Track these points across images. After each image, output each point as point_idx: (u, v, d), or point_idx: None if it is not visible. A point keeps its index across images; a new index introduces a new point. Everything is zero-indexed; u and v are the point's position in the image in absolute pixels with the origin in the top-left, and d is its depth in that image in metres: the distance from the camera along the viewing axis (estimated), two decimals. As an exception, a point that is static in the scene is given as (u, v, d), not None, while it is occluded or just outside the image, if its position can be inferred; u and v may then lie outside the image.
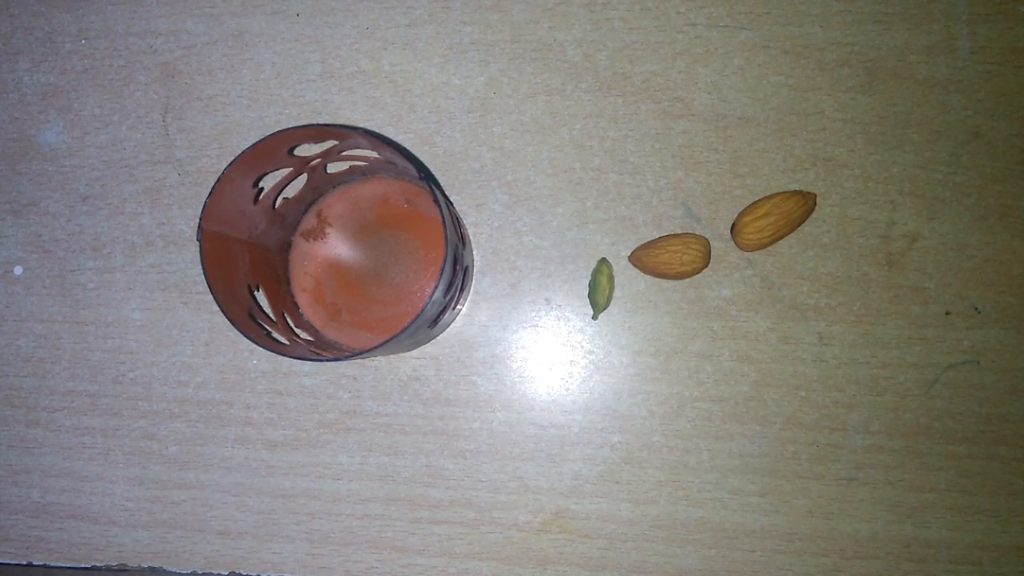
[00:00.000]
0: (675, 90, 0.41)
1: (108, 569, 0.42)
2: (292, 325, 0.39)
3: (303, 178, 0.38)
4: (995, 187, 0.39)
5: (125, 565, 0.42)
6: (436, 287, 0.30)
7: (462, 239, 0.37)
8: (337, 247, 0.40)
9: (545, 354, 0.41)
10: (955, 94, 0.40)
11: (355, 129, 0.32)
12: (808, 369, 0.39)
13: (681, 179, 0.40)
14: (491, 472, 0.40)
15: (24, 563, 0.43)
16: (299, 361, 0.41)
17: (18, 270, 0.43)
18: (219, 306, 0.31)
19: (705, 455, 0.40)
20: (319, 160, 0.37)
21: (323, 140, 0.34)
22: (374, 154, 0.36)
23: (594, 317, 0.40)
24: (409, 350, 0.40)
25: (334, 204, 0.40)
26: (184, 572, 0.42)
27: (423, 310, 0.30)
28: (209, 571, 0.42)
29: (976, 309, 0.39)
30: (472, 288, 0.41)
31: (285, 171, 0.36)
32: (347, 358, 0.31)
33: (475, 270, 0.41)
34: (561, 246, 0.41)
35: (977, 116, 0.40)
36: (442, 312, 0.35)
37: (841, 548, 0.39)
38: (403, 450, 0.41)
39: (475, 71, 0.41)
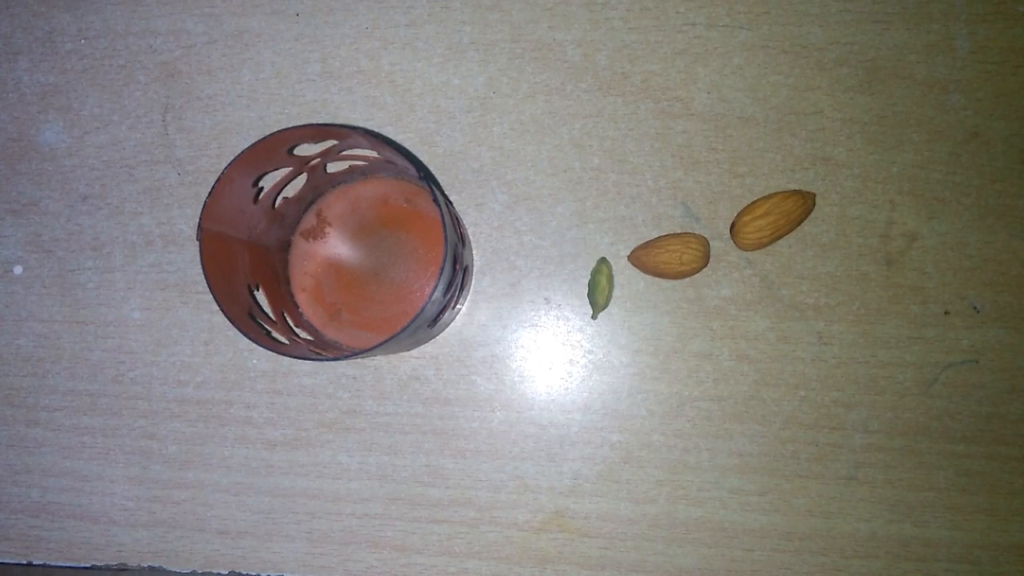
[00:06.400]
0: (674, 90, 0.41)
1: (108, 569, 0.42)
2: (292, 325, 0.39)
3: (303, 178, 0.38)
4: (994, 187, 0.39)
5: (125, 565, 0.42)
6: (436, 287, 0.30)
7: (462, 239, 0.37)
8: (337, 247, 0.40)
9: (545, 354, 0.41)
10: (954, 94, 0.40)
11: (355, 129, 0.32)
12: (807, 368, 0.40)
13: (680, 179, 0.40)
14: (491, 471, 0.40)
15: (24, 563, 0.43)
16: (299, 361, 0.41)
17: (18, 270, 0.43)
18: (219, 306, 0.31)
19: (704, 454, 0.40)
20: (319, 160, 0.37)
21: (323, 140, 0.34)
22: (374, 154, 0.37)
23: (593, 316, 0.40)
24: (409, 350, 0.40)
25: (334, 204, 0.40)
26: (184, 572, 0.42)
27: (423, 310, 0.30)
28: (209, 571, 0.42)
29: (975, 308, 0.39)
30: (472, 288, 0.41)
31: (285, 171, 0.36)
32: (347, 358, 0.31)
33: (475, 270, 0.41)
34: (561, 246, 0.41)
35: (976, 116, 0.40)
36: (442, 312, 0.35)
37: (840, 547, 0.39)
38: (403, 449, 0.41)
39: (475, 71, 0.42)
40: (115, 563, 0.42)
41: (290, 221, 0.39)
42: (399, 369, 0.41)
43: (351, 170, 0.39)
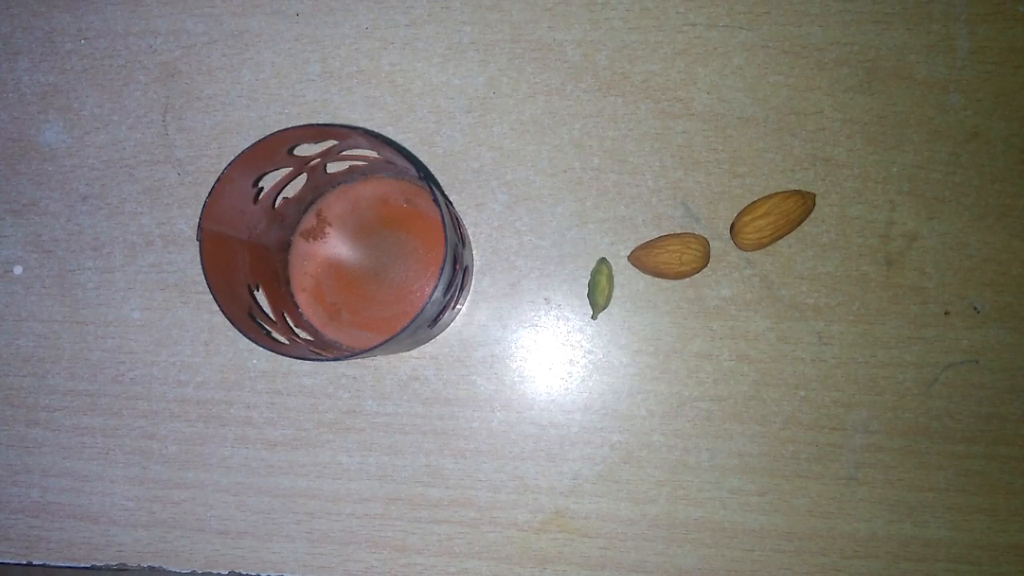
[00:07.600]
0: (674, 90, 0.41)
1: (108, 569, 0.42)
2: (292, 325, 0.39)
3: (303, 178, 0.38)
4: (994, 186, 0.39)
5: (125, 565, 0.42)
6: (436, 287, 0.30)
7: (462, 239, 0.37)
8: (337, 247, 0.40)
9: (545, 354, 0.41)
10: (954, 94, 0.40)
11: (355, 129, 0.32)
12: (807, 368, 0.40)
13: (680, 179, 0.40)
14: (491, 472, 0.41)
15: (24, 563, 0.43)
16: (299, 361, 0.41)
17: (18, 270, 0.43)
18: (219, 306, 0.31)
19: (704, 454, 0.40)
20: (319, 160, 0.37)
21: (323, 140, 0.34)
22: (374, 154, 0.37)
23: (593, 317, 0.40)
24: (409, 350, 0.40)
25: (334, 204, 0.40)
26: (184, 572, 0.42)
27: (423, 310, 0.30)
28: (209, 571, 0.42)
29: (975, 308, 0.39)
30: (472, 288, 0.41)
31: (285, 171, 0.36)
32: (347, 358, 0.31)
33: (475, 270, 0.41)
34: (561, 246, 0.41)
35: (976, 116, 0.40)
36: (442, 312, 0.35)
37: (840, 547, 0.39)
38: (403, 450, 0.41)
39: (475, 71, 0.42)
40: (115, 563, 0.42)
41: (290, 221, 0.39)
42: (399, 369, 0.41)
43: (351, 170, 0.39)
